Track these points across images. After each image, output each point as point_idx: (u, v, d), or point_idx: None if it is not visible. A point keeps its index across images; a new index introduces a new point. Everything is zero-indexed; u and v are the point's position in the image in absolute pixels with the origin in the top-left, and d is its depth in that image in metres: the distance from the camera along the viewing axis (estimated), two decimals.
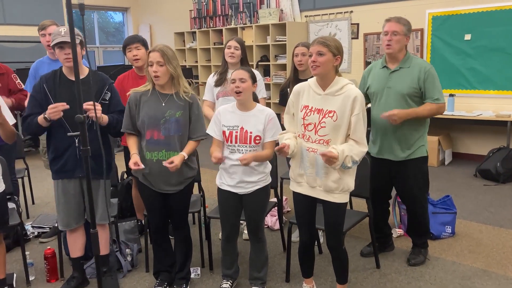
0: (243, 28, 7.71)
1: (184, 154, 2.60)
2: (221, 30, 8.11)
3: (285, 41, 7.09)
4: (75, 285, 2.92)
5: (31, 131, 2.71)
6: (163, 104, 2.64)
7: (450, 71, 5.85)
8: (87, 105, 2.55)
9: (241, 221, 2.90)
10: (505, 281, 2.92)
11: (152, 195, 2.74)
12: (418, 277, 3.01)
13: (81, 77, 2.72)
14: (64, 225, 2.85)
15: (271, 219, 3.88)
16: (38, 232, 3.89)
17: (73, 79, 2.02)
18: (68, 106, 2.55)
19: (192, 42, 8.69)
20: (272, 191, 2.94)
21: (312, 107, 2.40)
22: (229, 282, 2.86)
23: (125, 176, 3.95)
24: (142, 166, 2.55)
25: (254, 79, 2.68)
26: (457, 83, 5.89)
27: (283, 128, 2.64)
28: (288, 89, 3.46)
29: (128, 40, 3.47)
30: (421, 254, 3.21)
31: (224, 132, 2.66)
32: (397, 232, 3.64)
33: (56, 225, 3.37)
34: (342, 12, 6.90)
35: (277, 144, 2.52)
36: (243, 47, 3.50)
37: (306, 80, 2.54)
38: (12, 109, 3.65)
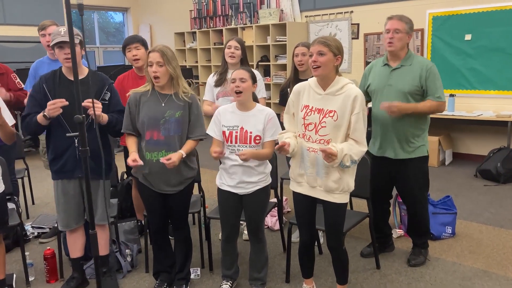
0: (243, 28, 7.71)
1: (182, 152, 2.59)
2: (221, 30, 8.11)
3: (285, 41, 7.08)
4: (74, 286, 2.92)
5: (30, 130, 2.70)
6: (163, 105, 2.64)
7: (450, 71, 5.85)
8: (87, 102, 2.54)
9: (241, 222, 2.89)
10: (506, 282, 2.92)
11: (152, 196, 2.74)
12: (419, 278, 3.00)
13: (81, 77, 2.71)
14: (64, 226, 2.85)
15: (271, 220, 3.87)
16: (38, 233, 3.89)
17: (73, 79, 2.02)
18: (67, 103, 2.55)
19: (192, 42, 8.69)
20: (272, 191, 2.93)
21: (312, 107, 2.40)
22: (229, 283, 2.86)
23: (125, 176, 3.95)
24: (140, 162, 2.54)
25: (254, 79, 2.68)
26: (458, 83, 5.88)
27: (283, 128, 2.63)
28: (288, 89, 3.45)
29: (127, 40, 3.47)
30: (421, 254, 3.20)
31: (224, 132, 2.66)
32: (397, 232, 3.63)
33: (56, 225, 3.36)
34: (342, 12, 6.90)
35: (277, 144, 2.53)
36: (243, 47, 3.50)
37: (306, 80, 2.53)
38: (10, 104, 3.65)
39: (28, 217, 4.38)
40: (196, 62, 8.65)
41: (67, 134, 2.21)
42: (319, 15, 7.17)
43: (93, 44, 9.86)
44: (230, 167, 2.67)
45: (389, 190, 3.28)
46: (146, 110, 2.63)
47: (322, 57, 2.30)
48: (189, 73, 8.26)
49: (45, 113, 2.56)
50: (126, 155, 3.47)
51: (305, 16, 7.37)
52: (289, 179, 2.61)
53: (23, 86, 3.93)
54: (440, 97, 2.93)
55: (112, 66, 7.48)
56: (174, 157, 2.54)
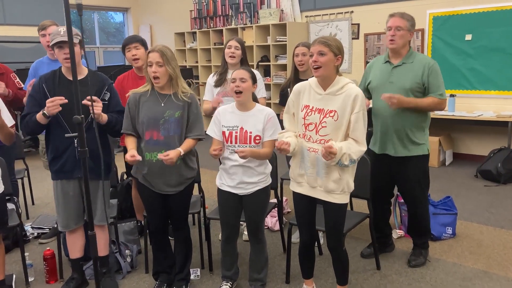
0: (243, 29, 7.70)
1: (180, 149, 2.58)
2: (221, 31, 8.11)
3: (286, 41, 7.08)
4: (74, 286, 2.91)
5: (29, 129, 2.70)
6: (162, 105, 2.64)
7: (450, 71, 5.84)
8: (87, 100, 2.53)
9: (241, 222, 2.89)
10: (506, 282, 2.91)
11: (152, 196, 2.74)
12: (419, 279, 2.99)
13: (81, 77, 2.71)
14: (64, 226, 2.85)
15: (271, 220, 3.87)
16: (38, 233, 3.88)
17: (76, 79, 2.01)
18: (66, 100, 2.54)
19: (193, 43, 8.68)
20: (272, 192, 2.92)
21: (313, 107, 2.39)
22: (228, 284, 2.85)
23: (125, 177, 3.94)
24: (139, 157, 2.53)
25: (254, 80, 2.68)
26: (458, 83, 5.88)
27: (283, 128, 2.62)
28: (289, 89, 3.45)
29: (127, 40, 3.47)
30: (421, 255, 3.20)
31: (224, 133, 2.65)
32: (397, 233, 3.63)
33: (55, 226, 3.36)
34: (342, 12, 6.90)
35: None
36: (243, 47, 3.49)
37: (306, 80, 2.53)
38: (8, 101, 3.65)
39: (28, 218, 4.38)
40: (196, 62, 8.64)
41: (66, 135, 2.21)
42: (319, 15, 7.17)
43: (93, 44, 9.86)
44: (230, 167, 2.67)
45: (390, 189, 3.28)
46: (146, 110, 2.63)
47: (323, 57, 2.29)
48: (189, 73, 8.26)
49: (44, 111, 2.55)
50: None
51: (305, 16, 7.36)
52: (289, 179, 2.61)
53: (22, 86, 3.93)
54: (442, 94, 2.92)
55: (112, 66, 7.48)
56: (172, 153, 2.52)
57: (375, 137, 3.13)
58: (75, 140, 2.68)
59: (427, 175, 3.14)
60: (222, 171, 2.74)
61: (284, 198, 4.06)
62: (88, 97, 2.53)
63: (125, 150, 3.31)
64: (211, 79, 3.59)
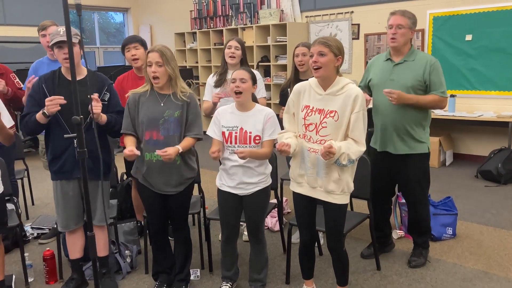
0: (243, 29, 7.70)
1: (179, 147, 2.57)
2: (221, 31, 8.10)
3: (286, 41, 7.08)
4: (74, 287, 2.91)
5: (29, 129, 2.70)
6: (162, 105, 2.63)
7: (451, 71, 5.83)
8: (91, 97, 2.53)
9: (241, 223, 2.88)
10: (507, 283, 2.91)
11: (152, 196, 2.73)
12: (419, 279, 2.99)
13: (80, 77, 2.71)
14: (63, 226, 2.84)
15: (271, 221, 3.86)
16: (38, 233, 3.88)
17: (75, 80, 2.01)
18: (65, 101, 2.54)
19: (193, 43, 8.68)
20: (272, 192, 2.92)
21: (313, 107, 2.39)
22: (228, 284, 2.85)
23: (125, 177, 3.94)
24: (137, 152, 2.53)
25: (254, 80, 2.68)
26: (458, 83, 5.87)
27: (283, 128, 2.62)
28: (289, 89, 3.44)
29: (126, 40, 3.47)
30: (422, 255, 3.19)
31: (223, 133, 2.65)
32: (397, 233, 3.62)
33: (55, 226, 3.35)
34: (342, 13, 6.89)
35: (275, 144, 2.52)
36: (243, 47, 3.49)
37: (306, 80, 2.52)
38: (7, 98, 3.65)
39: (27, 218, 4.37)
40: (197, 62, 8.64)
41: (65, 136, 2.20)
42: (320, 15, 7.16)
43: (94, 44, 9.86)
44: (230, 168, 2.66)
45: (391, 188, 3.27)
46: (145, 110, 2.63)
47: (323, 57, 2.29)
48: (189, 73, 8.25)
49: (44, 111, 2.55)
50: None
51: (306, 17, 7.36)
52: (289, 179, 2.60)
53: (22, 86, 3.93)
54: (444, 92, 2.92)
55: (112, 67, 7.47)
56: (170, 150, 2.51)
57: (376, 134, 3.13)
58: (75, 141, 2.67)
59: (428, 174, 3.13)
60: (222, 172, 2.74)
61: (284, 199, 4.05)
62: (93, 95, 2.54)
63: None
64: (211, 79, 3.58)
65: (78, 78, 2.66)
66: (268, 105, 6.87)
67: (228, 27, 7.97)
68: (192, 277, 3.05)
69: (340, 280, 2.62)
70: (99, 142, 2.25)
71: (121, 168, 3.75)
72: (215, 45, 8.22)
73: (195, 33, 8.57)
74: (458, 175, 5.41)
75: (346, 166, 2.32)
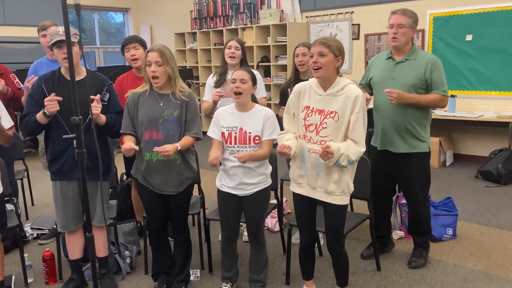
0: (243, 29, 7.70)
1: (177, 145, 2.56)
2: (221, 31, 8.10)
3: (286, 41, 7.07)
4: (73, 287, 2.90)
5: (29, 129, 2.70)
6: (161, 104, 2.63)
7: (451, 72, 5.83)
8: (91, 98, 2.53)
9: (241, 223, 2.88)
10: (507, 284, 2.90)
11: (152, 197, 2.73)
12: (419, 280, 2.98)
13: (80, 77, 2.71)
14: (63, 227, 2.84)
15: (271, 221, 3.86)
16: (37, 234, 3.87)
17: (74, 80, 2.01)
18: (61, 98, 2.53)
19: (193, 43, 8.68)
20: (272, 192, 2.91)
21: (313, 108, 2.38)
22: (228, 285, 2.84)
23: (125, 177, 3.93)
24: (136, 147, 2.53)
25: (254, 81, 2.67)
26: (458, 84, 5.87)
27: (282, 128, 2.61)
28: (289, 89, 3.44)
29: (126, 40, 3.47)
30: (422, 256, 3.18)
31: (223, 133, 2.64)
32: (397, 234, 3.62)
33: (55, 226, 3.35)
34: (343, 13, 6.89)
35: (276, 144, 2.51)
36: (243, 48, 3.48)
37: (307, 80, 2.52)
38: (7, 98, 3.64)
39: (27, 218, 4.37)
40: (197, 62, 8.64)
41: (64, 136, 2.19)
42: (320, 15, 7.16)
43: (94, 44, 9.86)
44: (230, 168, 2.66)
45: (392, 187, 3.26)
46: (145, 110, 2.63)
47: (323, 58, 2.29)
48: (189, 73, 8.25)
49: (44, 110, 2.55)
50: (126, 157, 3.47)
51: (306, 17, 7.35)
52: (289, 180, 2.60)
53: (21, 86, 3.92)
54: (445, 91, 2.92)
55: (112, 67, 7.47)
56: (169, 147, 2.51)
57: (377, 133, 3.13)
58: (74, 141, 2.67)
59: (428, 173, 3.13)
60: (222, 172, 2.73)
61: (284, 199, 4.05)
62: (92, 97, 2.54)
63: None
64: (211, 79, 3.58)
65: (77, 78, 2.66)
66: (268, 105, 6.85)
67: (228, 27, 7.97)
68: (192, 278, 3.04)
69: (340, 281, 2.61)
70: (98, 142, 2.25)
71: (121, 168, 3.75)
72: (215, 45, 8.21)
73: (195, 33, 8.56)
74: (458, 176, 5.41)
75: (346, 167, 2.32)
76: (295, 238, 3.39)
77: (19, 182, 4.32)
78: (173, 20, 9.33)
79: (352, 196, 2.61)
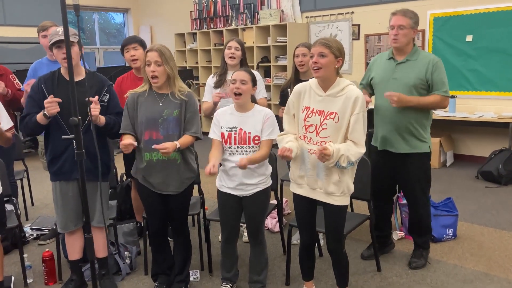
0: (243, 29, 7.69)
1: (177, 143, 2.55)
2: (221, 31, 8.10)
3: (286, 42, 7.07)
4: None
5: (29, 130, 2.69)
6: (160, 104, 2.63)
7: (451, 72, 5.82)
8: (92, 100, 2.52)
9: (241, 224, 2.87)
10: (508, 285, 2.89)
11: (152, 197, 2.72)
12: (420, 281, 2.98)
13: (80, 78, 2.70)
14: (63, 227, 2.83)
15: (271, 221, 3.85)
16: (37, 234, 3.87)
17: (73, 80, 2.00)
18: (60, 100, 2.53)
19: (193, 43, 8.67)
20: (272, 193, 2.91)
21: (313, 109, 2.38)
22: (228, 285, 2.84)
23: (125, 178, 3.93)
24: (134, 143, 2.52)
25: (254, 82, 2.67)
26: (459, 84, 5.87)
27: (282, 128, 2.61)
28: (289, 89, 3.43)
29: (126, 40, 3.46)
30: (422, 256, 3.18)
31: (222, 134, 2.64)
32: (398, 234, 3.61)
33: (55, 227, 3.35)
34: (343, 13, 6.89)
35: (275, 144, 2.51)
36: (243, 48, 3.48)
37: (307, 81, 2.51)
38: (6, 100, 3.64)
39: (27, 219, 4.36)
40: (197, 63, 8.63)
41: (63, 137, 2.19)
42: (320, 15, 7.16)
43: (94, 45, 9.86)
44: (230, 169, 2.65)
45: (392, 187, 3.25)
46: (144, 110, 2.62)
47: (323, 58, 2.28)
48: (189, 74, 8.25)
49: (45, 112, 2.54)
50: (126, 157, 3.47)
51: (306, 17, 7.35)
52: (289, 180, 2.59)
53: (21, 87, 3.92)
54: (446, 91, 2.92)
55: (112, 67, 7.47)
56: (168, 144, 2.50)
57: (377, 133, 3.12)
58: (74, 142, 2.66)
59: (429, 173, 3.12)
60: (222, 173, 2.73)
61: (284, 199, 4.04)
62: (91, 98, 2.53)
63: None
64: (211, 80, 3.57)
65: (77, 79, 2.66)
66: (268, 105, 6.85)
67: (228, 27, 7.96)
68: (191, 278, 3.04)
69: (340, 281, 2.61)
70: (98, 143, 2.24)
71: (120, 168, 3.75)
72: (215, 46, 8.21)
73: (195, 33, 8.56)
74: (458, 176, 5.40)
75: (346, 168, 2.31)
76: (295, 238, 3.38)
77: (19, 182, 4.32)
78: (173, 20, 9.33)
79: (352, 196, 2.60)
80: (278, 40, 7.22)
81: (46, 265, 3.04)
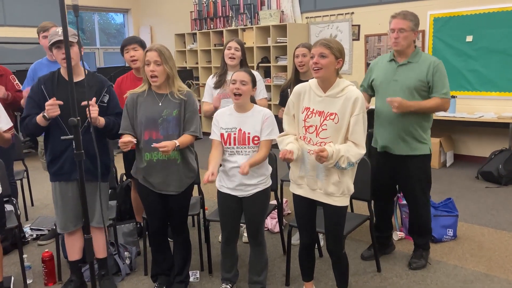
0: (243, 30, 7.69)
1: (176, 141, 2.55)
2: (221, 32, 8.10)
3: (286, 42, 7.07)
4: None
5: (29, 132, 2.69)
6: (160, 104, 2.62)
7: (451, 72, 5.80)
8: (84, 104, 2.52)
9: (241, 224, 2.87)
10: (508, 285, 2.89)
11: (152, 197, 2.72)
12: (420, 281, 2.97)
13: (80, 78, 2.70)
14: (62, 228, 2.83)
15: (271, 222, 3.85)
16: (37, 235, 3.87)
17: (72, 80, 2.00)
18: (61, 102, 2.53)
19: (193, 44, 8.68)
20: (272, 193, 2.91)
21: (313, 109, 2.37)
22: (228, 286, 2.84)
23: (124, 178, 3.93)
24: (134, 140, 2.52)
25: (254, 83, 2.67)
26: (459, 84, 5.86)
27: (282, 129, 2.60)
28: (289, 89, 3.43)
29: (125, 41, 3.46)
30: (422, 257, 3.17)
31: (222, 135, 2.63)
32: (398, 235, 3.61)
33: (54, 227, 3.34)
34: (343, 14, 6.88)
35: (274, 144, 2.50)
36: (243, 48, 3.48)
37: (307, 81, 2.51)
38: (7, 103, 3.64)
39: (27, 219, 4.36)
40: (197, 63, 8.63)
41: (62, 137, 2.19)
42: (320, 16, 7.16)
43: (94, 45, 9.86)
44: (229, 169, 2.65)
45: (392, 188, 3.25)
46: (144, 110, 2.62)
47: (324, 59, 2.28)
48: (189, 74, 8.25)
49: (44, 114, 2.54)
50: (126, 157, 3.47)
51: (306, 17, 7.35)
52: (289, 181, 2.59)
53: (21, 87, 3.92)
54: (446, 94, 2.91)
55: (113, 68, 7.46)
56: (168, 143, 2.49)
57: (377, 134, 3.12)
58: (74, 142, 2.66)
59: (429, 175, 3.12)
60: (222, 173, 2.73)
61: (284, 200, 4.04)
62: (91, 102, 2.53)
63: (124, 152, 3.29)
64: (211, 80, 3.57)
65: (77, 79, 2.66)
66: (269, 106, 6.85)
67: (228, 28, 7.96)
68: (191, 279, 3.03)
69: (340, 282, 2.61)
70: (98, 144, 2.24)
71: (120, 169, 3.74)
72: (215, 46, 8.21)
73: (195, 34, 8.56)
74: (458, 176, 5.40)
75: (346, 169, 2.31)
76: (295, 239, 3.38)
77: (18, 182, 4.31)
78: (173, 20, 9.33)
79: (352, 197, 2.60)
80: (278, 41, 7.22)
81: (45, 265, 3.04)
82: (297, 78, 3.49)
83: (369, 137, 2.90)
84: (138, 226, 3.61)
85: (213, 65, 8.21)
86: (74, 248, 2.91)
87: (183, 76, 7.63)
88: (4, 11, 7.99)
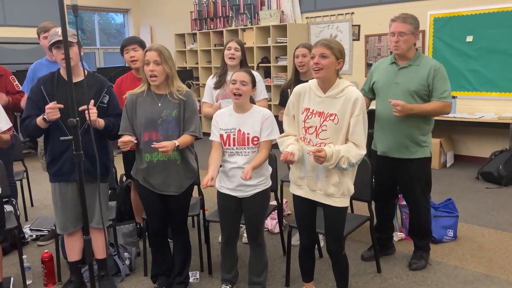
0: (243, 30, 7.69)
1: (175, 141, 2.54)
2: (221, 32, 8.09)
3: (286, 42, 7.06)
4: None
5: (29, 133, 2.69)
6: (159, 104, 2.62)
7: (451, 73, 5.78)
8: (83, 107, 2.51)
9: (241, 225, 2.86)
10: (508, 286, 2.89)
11: (152, 198, 2.72)
12: (420, 282, 2.97)
13: (80, 79, 2.69)
14: (62, 229, 2.82)
15: (271, 222, 3.84)
16: (37, 235, 3.86)
17: (71, 81, 2.00)
18: (62, 106, 2.52)
19: (193, 44, 8.67)
20: (272, 194, 2.90)
21: (313, 110, 2.37)
22: (228, 287, 2.83)
23: (124, 178, 3.92)
24: (134, 139, 2.52)
25: (254, 84, 2.66)
26: (459, 85, 5.86)
27: (282, 129, 2.59)
28: (289, 90, 3.43)
29: (125, 41, 3.46)
30: (422, 258, 3.17)
31: (221, 136, 2.63)
32: (398, 235, 3.60)
33: (54, 228, 3.34)
34: (343, 14, 6.88)
35: (275, 144, 2.50)
36: (243, 49, 3.47)
37: (307, 81, 2.51)
38: (8, 108, 3.63)
39: (26, 220, 4.36)
40: (197, 63, 8.63)
41: (61, 138, 2.18)
42: (320, 16, 7.15)
43: (94, 45, 9.86)
44: (229, 170, 2.65)
45: (393, 190, 3.24)
46: (143, 110, 2.62)
47: (324, 60, 2.27)
48: (189, 74, 8.24)
49: (44, 116, 2.54)
50: (125, 158, 3.46)
51: (306, 18, 7.34)
52: (289, 181, 2.59)
53: (21, 88, 3.92)
54: (446, 97, 2.91)
55: (113, 68, 7.46)
56: (167, 143, 2.49)
57: (378, 137, 3.11)
58: (73, 143, 2.66)
59: (429, 177, 3.12)
60: (222, 174, 2.72)
61: (284, 200, 4.03)
62: (83, 107, 2.51)
63: (124, 152, 3.29)
64: (211, 81, 3.56)
65: (77, 80, 2.65)
66: (269, 106, 6.85)
67: (228, 28, 7.96)
68: (191, 280, 3.03)
69: (340, 283, 2.60)
70: (97, 144, 2.23)
71: (120, 169, 3.74)
72: (215, 46, 8.21)
73: (195, 34, 8.56)
74: (459, 177, 5.39)
75: (347, 169, 2.31)
76: (295, 239, 3.37)
77: (18, 183, 4.31)
78: (173, 21, 9.33)
79: (352, 197, 2.59)
80: (278, 41, 7.22)
81: (45, 266, 3.03)
82: (297, 78, 3.48)
83: (370, 137, 2.90)
84: (138, 226, 3.61)
85: (213, 65, 8.21)
86: (73, 249, 2.91)
87: (183, 76, 7.63)
88: (4, 11, 7.99)
